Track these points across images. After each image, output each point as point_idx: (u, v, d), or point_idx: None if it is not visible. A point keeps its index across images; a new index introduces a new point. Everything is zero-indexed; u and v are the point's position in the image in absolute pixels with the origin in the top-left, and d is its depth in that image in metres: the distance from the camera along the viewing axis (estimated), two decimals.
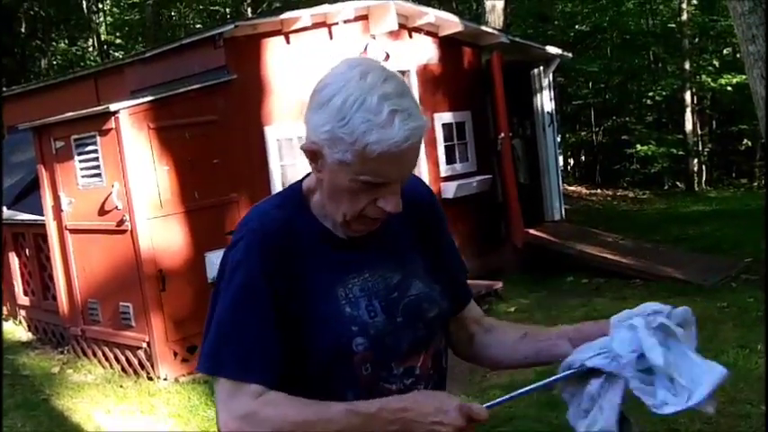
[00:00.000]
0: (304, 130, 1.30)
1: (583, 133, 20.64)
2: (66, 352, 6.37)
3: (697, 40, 18.27)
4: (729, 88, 15.98)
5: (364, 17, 7.17)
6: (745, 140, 18.80)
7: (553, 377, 1.34)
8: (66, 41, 20.30)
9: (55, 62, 19.04)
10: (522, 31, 16.33)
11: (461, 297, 1.55)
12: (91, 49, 20.66)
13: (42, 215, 6.31)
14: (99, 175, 5.66)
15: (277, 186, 6.32)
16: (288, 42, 6.60)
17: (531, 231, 8.59)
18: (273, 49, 6.50)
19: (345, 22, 6.96)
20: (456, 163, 8.22)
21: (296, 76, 6.57)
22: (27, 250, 6.92)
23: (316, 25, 6.74)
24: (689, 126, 17.15)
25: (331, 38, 6.93)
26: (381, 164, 1.22)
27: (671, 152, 16.95)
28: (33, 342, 6.87)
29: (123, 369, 5.80)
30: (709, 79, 16.90)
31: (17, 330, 7.14)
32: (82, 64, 18.25)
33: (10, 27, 16.78)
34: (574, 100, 20.30)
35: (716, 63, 18.04)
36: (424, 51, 7.85)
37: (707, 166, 19.14)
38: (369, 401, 1.23)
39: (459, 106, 8.26)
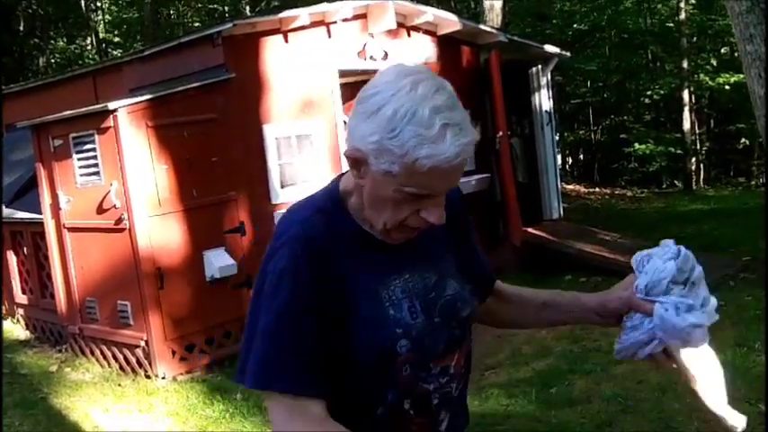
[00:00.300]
0: (347, 135, 1.27)
1: (581, 132, 20.67)
2: (64, 350, 6.36)
3: (695, 39, 18.31)
4: (727, 87, 16.00)
5: (363, 16, 7.16)
6: (743, 139, 18.84)
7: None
8: (65, 40, 20.30)
9: (53, 60, 19.03)
10: (521, 30, 16.34)
11: (488, 291, 1.59)
12: (89, 47, 20.66)
13: (40, 213, 6.31)
14: (97, 173, 5.65)
15: (275, 185, 6.33)
16: (286, 41, 6.59)
17: (530, 230, 8.60)
18: (272, 48, 6.50)
19: (344, 20, 6.96)
20: None
21: (294, 75, 6.57)
22: (25, 248, 6.91)
23: (314, 24, 6.74)
24: (687, 125, 17.18)
25: (329, 36, 6.93)
26: (430, 178, 1.20)
27: (669, 151, 16.97)
28: (31, 341, 6.87)
29: (121, 367, 5.80)
30: (707, 78, 16.91)
31: (15, 329, 7.13)
32: (80, 62, 18.24)
33: (8, 25, 16.77)
34: (572, 99, 20.32)
35: (714, 62, 18.08)
36: (422, 50, 7.85)
37: (705, 164, 19.19)
38: None
39: None
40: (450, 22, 7.97)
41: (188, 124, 5.75)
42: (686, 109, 17.13)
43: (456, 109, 1.20)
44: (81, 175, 5.80)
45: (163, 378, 5.49)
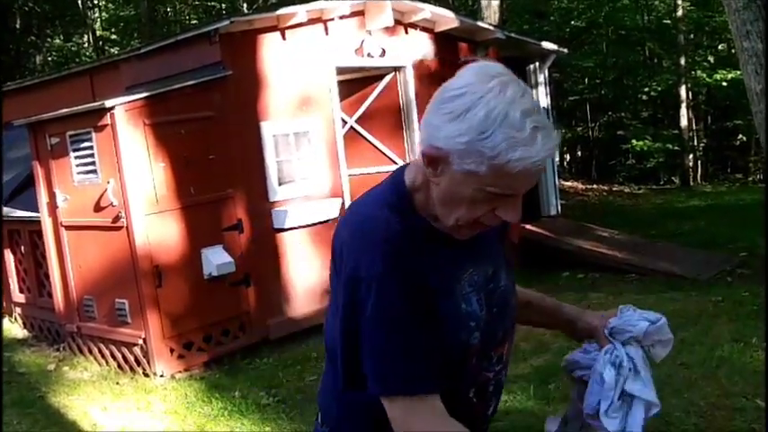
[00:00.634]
0: (423, 133, 1.27)
1: (579, 129, 20.70)
2: (61, 349, 6.36)
3: (692, 35, 18.32)
4: (724, 84, 16.04)
5: (360, 13, 7.15)
6: (740, 136, 18.88)
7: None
8: (62, 37, 20.26)
9: (50, 58, 18.98)
10: (518, 27, 16.33)
11: None
12: (86, 45, 20.63)
13: (37, 212, 6.29)
14: (94, 171, 5.64)
15: (273, 182, 6.31)
16: (284, 38, 6.58)
17: (528, 227, 8.61)
18: (269, 45, 6.49)
19: (341, 17, 6.95)
20: None
21: (292, 72, 6.56)
22: (22, 247, 6.90)
23: (311, 21, 6.73)
24: (684, 121, 17.20)
25: (327, 34, 6.92)
26: (517, 179, 1.22)
27: (666, 147, 17.00)
28: (29, 339, 6.86)
29: (119, 366, 5.80)
30: (705, 75, 16.95)
31: (13, 328, 7.12)
32: (77, 60, 18.22)
33: (5, 23, 16.73)
34: (570, 95, 20.33)
35: (711, 59, 18.10)
36: (419, 47, 7.84)
37: (702, 161, 19.21)
38: None
39: None
40: (447, 18, 7.96)
41: (185, 122, 5.74)
42: (683, 105, 17.15)
43: (541, 111, 1.23)
44: (78, 173, 5.79)
45: (161, 376, 5.48)
